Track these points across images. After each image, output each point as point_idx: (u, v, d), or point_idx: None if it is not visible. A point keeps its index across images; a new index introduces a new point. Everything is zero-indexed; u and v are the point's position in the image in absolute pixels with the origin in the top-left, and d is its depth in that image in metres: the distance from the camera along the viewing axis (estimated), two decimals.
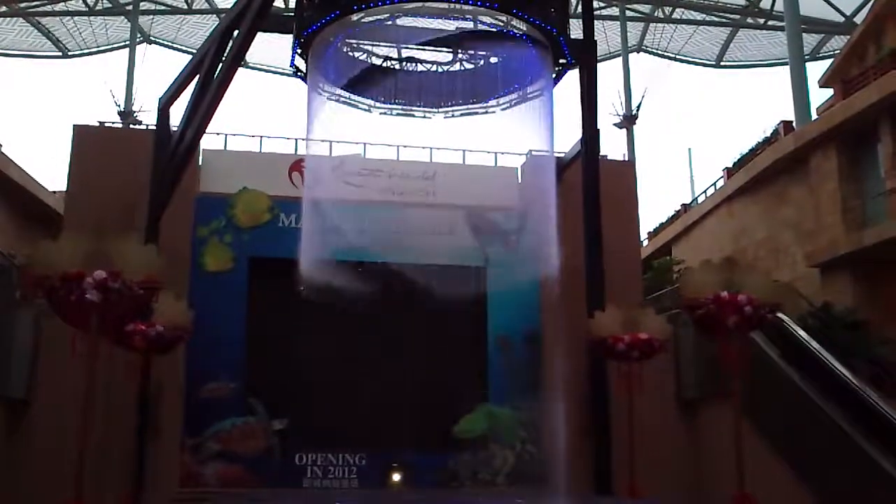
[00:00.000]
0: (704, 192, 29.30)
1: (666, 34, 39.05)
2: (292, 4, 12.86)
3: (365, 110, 12.94)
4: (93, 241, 9.00)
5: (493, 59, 12.47)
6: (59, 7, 35.91)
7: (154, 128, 14.97)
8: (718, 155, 41.31)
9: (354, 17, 10.98)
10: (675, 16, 37.67)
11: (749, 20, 37.32)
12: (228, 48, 13.15)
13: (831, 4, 33.81)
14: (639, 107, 36.68)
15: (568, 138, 15.53)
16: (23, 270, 14.47)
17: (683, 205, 31.65)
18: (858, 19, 30.89)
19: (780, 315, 12.52)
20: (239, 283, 15.25)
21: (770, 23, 36.29)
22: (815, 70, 31.63)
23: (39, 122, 72.25)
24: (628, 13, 37.38)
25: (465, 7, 10.55)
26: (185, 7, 37.01)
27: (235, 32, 13.07)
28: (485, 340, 15.79)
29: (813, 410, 12.94)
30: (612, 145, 48.75)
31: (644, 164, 50.47)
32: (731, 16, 37.43)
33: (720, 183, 26.98)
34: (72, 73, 76.65)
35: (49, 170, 45.50)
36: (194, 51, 18.73)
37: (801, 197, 21.44)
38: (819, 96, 28.22)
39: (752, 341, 12.88)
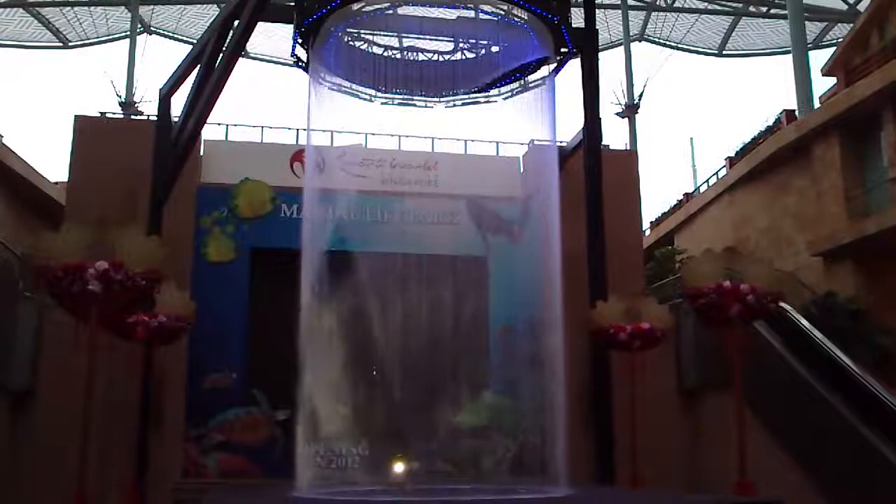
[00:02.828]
0: (707, 181, 29.26)
1: (668, 23, 38.92)
2: None
3: (366, 100, 12.93)
4: (95, 232, 9.02)
5: (495, 49, 12.44)
6: None
7: (155, 118, 14.94)
8: (721, 144, 41.40)
9: (355, 7, 10.96)
10: (676, 4, 37.52)
11: (751, 8, 37.18)
12: (229, 38, 13.13)
13: None
14: (640, 96, 36.57)
15: (570, 128, 15.52)
16: (25, 261, 14.49)
17: (685, 194, 31.62)
18: (862, 7, 30.78)
19: (782, 304, 12.52)
20: (241, 273, 15.25)
21: (772, 11, 36.18)
22: (818, 59, 31.53)
23: (40, 113, 72.37)
24: (630, 2, 37.23)
25: None
26: None
27: (236, 22, 13.04)
28: (487, 330, 15.79)
29: (815, 399, 12.94)
30: (613, 135, 48.80)
31: (646, 153, 50.49)
32: (734, 4, 37.29)
33: (722, 172, 26.93)
34: (72, 63, 76.87)
35: (51, 160, 45.56)
36: (195, 41, 18.69)
37: (803, 186, 21.40)
38: (822, 85, 28.16)
39: (754, 330, 12.87)
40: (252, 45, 31.12)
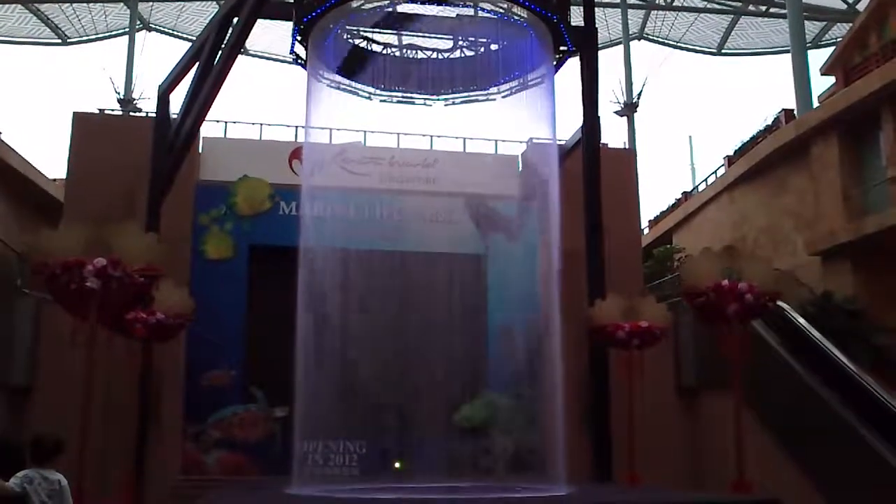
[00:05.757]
0: (705, 180, 29.27)
1: (667, 22, 38.92)
2: None
3: (365, 97, 12.91)
4: (93, 229, 9.00)
5: (494, 47, 12.44)
6: None
7: (154, 115, 14.92)
8: (719, 143, 41.36)
9: (354, 4, 10.96)
10: (676, 3, 37.51)
11: (751, 7, 37.17)
12: (228, 35, 13.12)
13: None
14: (639, 95, 36.57)
15: (568, 126, 15.51)
16: (24, 258, 14.49)
17: (684, 193, 31.63)
18: (861, 7, 30.77)
19: (780, 303, 12.52)
20: (239, 270, 15.26)
21: (772, 10, 36.18)
22: (817, 58, 31.56)
23: (39, 110, 72.29)
24: (629, 0, 37.22)
25: None
26: None
27: (235, 19, 13.03)
28: (485, 328, 15.79)
29: (812, 397, 12.96)
30: (612, 133, 48.80)
31: (645, 152, 50.51)
32: (733, 3, 37.28)
33: (721, 171, 26.93)
34: (71, 60, 76.73)
35: (49, 157, 45.50)
36: (194, 38, 18.68)
37: (801, 185, 21.40)
38: (821, 84, 28.16)
39: (752, 329, 12.88)
40: (251, 42, 31.11)
